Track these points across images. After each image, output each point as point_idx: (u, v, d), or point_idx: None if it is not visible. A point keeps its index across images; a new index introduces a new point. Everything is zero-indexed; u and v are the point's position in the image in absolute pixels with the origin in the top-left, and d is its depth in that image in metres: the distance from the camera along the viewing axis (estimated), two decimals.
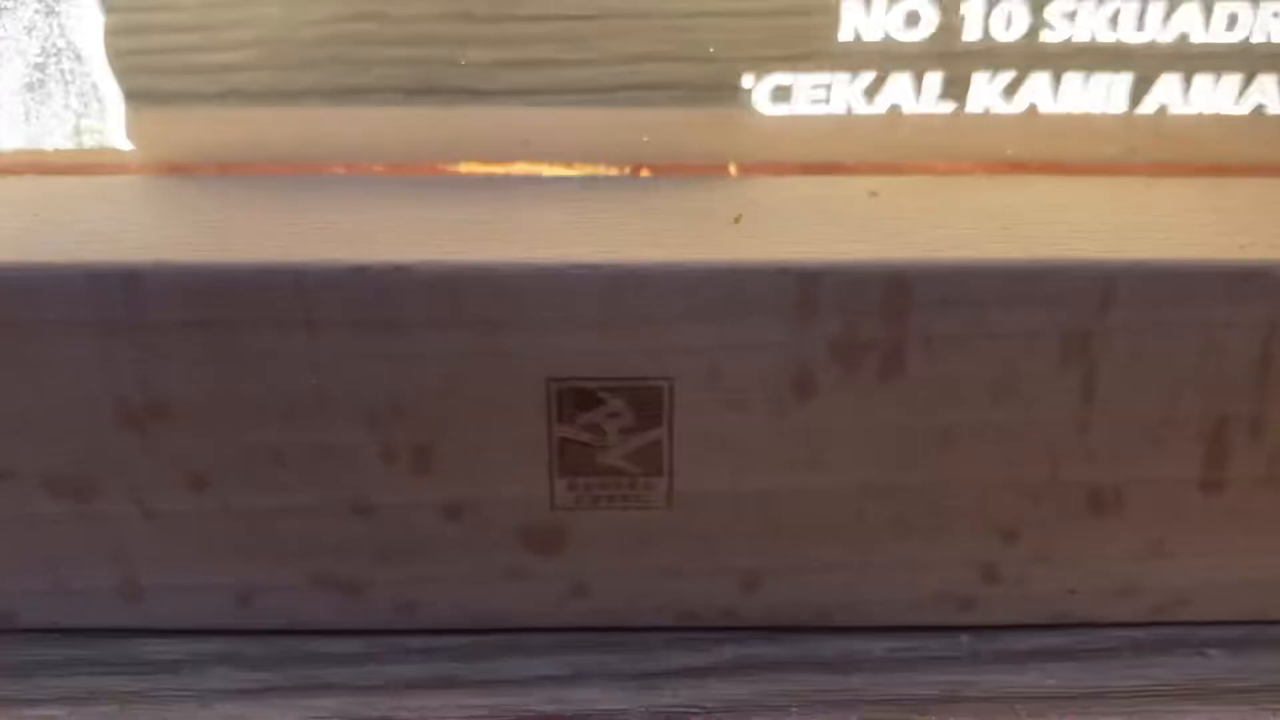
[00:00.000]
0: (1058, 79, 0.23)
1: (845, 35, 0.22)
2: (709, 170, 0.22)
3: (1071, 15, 0.23)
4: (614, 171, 0.22)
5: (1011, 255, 0.18)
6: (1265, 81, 0.23)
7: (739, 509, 0.20)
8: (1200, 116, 0.23)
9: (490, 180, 0.22)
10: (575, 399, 0.19)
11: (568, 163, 0.22)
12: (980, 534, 0.20)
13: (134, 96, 0.22)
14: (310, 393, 0.19)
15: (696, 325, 0.18)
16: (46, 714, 0.19)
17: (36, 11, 0.23)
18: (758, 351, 0.19)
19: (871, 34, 0.23)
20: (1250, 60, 0.23)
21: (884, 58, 0.23)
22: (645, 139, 0.22)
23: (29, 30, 0.23)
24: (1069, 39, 0.23)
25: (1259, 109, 0.23)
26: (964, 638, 0.21)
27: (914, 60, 0.23)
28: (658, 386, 0.19)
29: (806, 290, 0.18)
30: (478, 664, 0.20)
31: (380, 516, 0.20)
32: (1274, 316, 0.19)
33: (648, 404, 0.19)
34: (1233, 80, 0.23)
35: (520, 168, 0.22)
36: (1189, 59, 0.23)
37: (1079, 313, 0.18)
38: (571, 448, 0.19)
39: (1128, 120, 0.23)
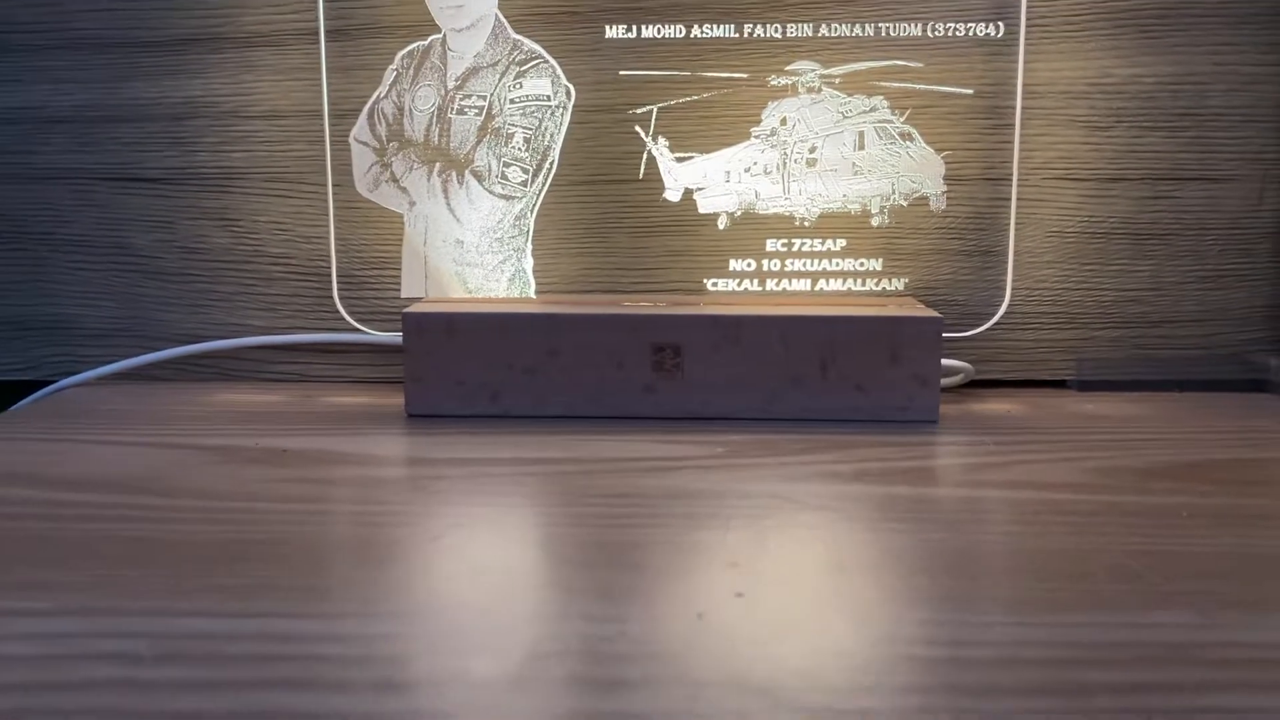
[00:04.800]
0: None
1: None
2: (687, 301, 0.78)
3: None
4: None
5: (767, 312, 0.73)
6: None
7: (708, 384, 0.74)
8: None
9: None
10: (657, 349, 0.73)
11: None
12: (789, 380, 0.74)
13: None
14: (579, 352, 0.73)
15: (692, 329, 0.73)
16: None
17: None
18: (709, 337, 0.73)
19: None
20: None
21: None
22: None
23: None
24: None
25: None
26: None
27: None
28: (679, 345, 0.73)
29: (717, 322, 0.73)
30: (620, 426, 0.74)
31: (596, 378, 0.74)
32: (830, 336, 0.73)
33: (676, 351, 0.73)
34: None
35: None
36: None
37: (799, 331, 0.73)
38: (656, 362, 0.74)
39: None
